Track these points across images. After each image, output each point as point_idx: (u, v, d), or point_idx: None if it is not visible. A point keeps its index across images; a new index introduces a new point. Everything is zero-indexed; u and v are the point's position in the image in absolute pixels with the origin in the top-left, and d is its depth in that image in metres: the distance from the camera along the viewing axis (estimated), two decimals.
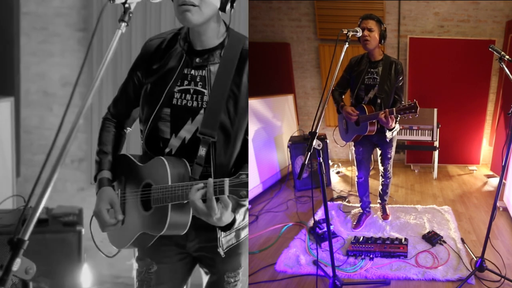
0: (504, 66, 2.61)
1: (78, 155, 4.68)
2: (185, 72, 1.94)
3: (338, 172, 5.48)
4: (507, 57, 2.60)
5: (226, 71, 1.90)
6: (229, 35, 1.95)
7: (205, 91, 1.91)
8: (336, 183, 5.12)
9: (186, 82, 1.93)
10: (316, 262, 3.04)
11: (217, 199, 1.76)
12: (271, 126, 4.98)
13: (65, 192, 4.70)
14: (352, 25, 2.98)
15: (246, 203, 1.95)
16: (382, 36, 3.23)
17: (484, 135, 5.75)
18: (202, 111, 1.90)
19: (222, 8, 1.86)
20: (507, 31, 5.30)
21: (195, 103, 1.91)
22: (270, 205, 4.32)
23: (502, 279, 2.79)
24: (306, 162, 2.16)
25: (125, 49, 4.40)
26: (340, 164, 5.64)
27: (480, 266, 2.83)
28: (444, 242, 3.35)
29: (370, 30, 3.19)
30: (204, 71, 1.93)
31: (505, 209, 3.99)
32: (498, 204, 2.88)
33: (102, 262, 4.63)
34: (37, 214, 1.39)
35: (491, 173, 5.36)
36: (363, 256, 3.14)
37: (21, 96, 4.62)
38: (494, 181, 5.07)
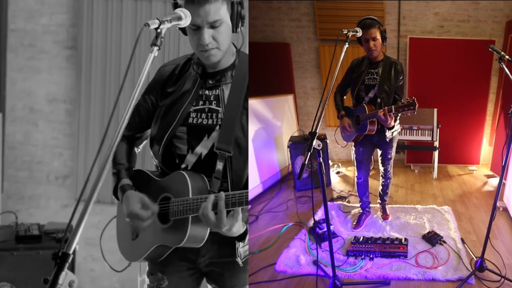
0: (504, 66, 2.61)
1: (63, 172, 4.63)
2: (200, 93, 2.05)
3: (338, 172, 5.48)
4: (507, 57, 2.60)
5: (238, 89, 2.02)
6: (238, 55, 2.08)
7: (219, 108, 2.02)
8: (336, 183, 5.12)
9: (201, 102, 2.04)
10: (316, 262, 3.04)
11: (229, 211, 1.84)
12: (271, 126, 4.98)
13: (49, 209, 4.66)
14: (352, 25, 2.98)
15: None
16: (383, 38, 3.24)
17: (484, 135, 5.75)
18: (217, 128, 2.00)
19: (234, 30, 1.99)
20: (507, 31, 5.30)
21: (210, 121, 2.02)
22: (270, 205, 4.32)
23: (502, 279, 2.79)
24: (306, 162, 2.17)
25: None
26: (340, 164, 5.64)
27: (480, 266, 2.83)
28: (444, 242, 3.35)
29: (374, 39, 3.19)
30: (217, 90, 2.05)
31: (505, 209, 3.99)
32: (498, 204, 2.88)
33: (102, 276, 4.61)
34: (81, 230, 1.43)
35: (491, 173, 5.36)
36: (363, 256, 3.14)
37: (6, 112, 4.59)
38: (494, 181, 5.07)
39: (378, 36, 3.21)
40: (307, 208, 4.20)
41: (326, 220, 2.48)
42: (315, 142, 2.22)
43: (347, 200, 4.42)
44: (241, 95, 2.02)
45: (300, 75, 6.03)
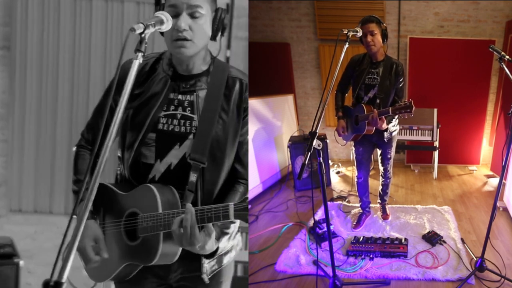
0: (504, 66, 2.61)
1: None
2: (171, 97, 1.91)
3: (338, 172, 5.48)
4: (507, 57, 2.60)
5: (214, 96, 1.90)
6: (213, 62, 1.96)
7: (194, 116, 1.89)
8: (336, 183, 5.12)
9: (172, 107, 1.90)
10: (316, 262, 3.04)
11: (201, 227, 1.74)
12: (271, 126, 4.98)
13: None
14: (352, 25, 2.97)
15: (230, 230, 1.93)
16: (384, 36, 3.24)
17: (484, 135, 5.75)
18: (191, 136, 1.87)
19: (213, 37, 1.90)
20: (507, 31, 5.30)
21: (183, 128, 1.89)
22: (270, 205, 4.32)
23: (502, 279, 2.79)
24: (306, 162, 2.16)
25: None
26: (340, 164, 5.64)
27: (480, 266, 2.83)
28: (444, 242, 3.35)
29: (372, 34, 3.19)
30: (192, 96, 1.91)
31: (505, 209, 3.99)
32: (498, 204, 2.88)
33: None
34: (73, 254, 1.34)
35: (491, 173, 5.36)
36: (363, 256, 3.14)
37: None
38: (494, 181, 5.07)
39: (377, 31, 3.20)
40: (307, 208, 4.20)
41: (326, 220, 2.48)
42: (315, 142, 2.22)
43: (347, 200, 4.42)
44: (217, 103, 1.89)
45: (300, 75, 6.03)
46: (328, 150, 4.91)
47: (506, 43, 5.21)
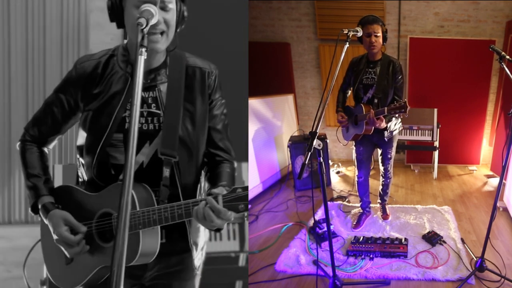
0: (504, 66, 2.61)
1: None
2: None
3: (338, 172, 5.48)
4: (508, 57, 2.60)
5: (175, 89, 1.87)
6: (169, 54, 1.92)
7: (160, 112, 1.86)
8: (336, 183, 5.12)
9: None
10: (316, 262, 3.04)
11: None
12: (271, 126, 4.98)
13: None
14: (353, 25, 2.97)
15: None
16: (384, 38, 3.24)
17: (484, 135, 5.75)
18: (161, 133, 1.85)
19: (176, 30, 1.85)
20: (507, 31, 5.30)
21: (151, 126, 1.86)
22: (270, 205, 4.32)
23: (502, 279, 2.79)
24: (306, 162, 2.16)
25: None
26: (340, 164, 5.64)
27: (480, 266, 2.83)
28: (444, 242, 3.35)
29: (376, 35, 3.19)
30: (155, 92, 1.88)
31: (505, 209, 3.99)
32: (498, 204, 2.87)
33: None
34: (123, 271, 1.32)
35: (491, 173, 5.36)
36: (363, 256, 3.14)
37: None
38: (494, 181, 5.07)
39: (380, 33, 3.21)
40: (307, 208, 4.20)
41: (326, 220, 2.49)
42: (316, 142, 2.22)
43: (347, 200, 4.42)
44: (179, 95, 1.86)
45: (300, 75, 6.03)
46: (328, 150, 4.91)
47: (506, 43, 5.21)
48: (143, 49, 1.51)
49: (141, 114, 1.85)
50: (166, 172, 1.83)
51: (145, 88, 1.86)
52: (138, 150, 1.84)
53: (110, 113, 1.84)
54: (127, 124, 1.84)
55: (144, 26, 1.55)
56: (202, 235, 2.00)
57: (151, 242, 1.78)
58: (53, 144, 2.05)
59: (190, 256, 1.94)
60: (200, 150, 1.92)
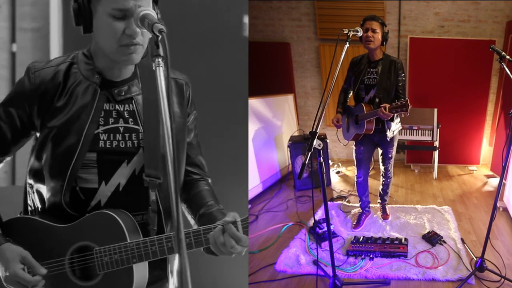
0: (504, 66, 2.61)
1: None
2: (107, 108, 1.66)
3: (338, 172, 5.48)
4: (508, 57, 2.60)
5: (151, 102, 1.68)
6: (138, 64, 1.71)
7: (138, 127, 1.67)
8: (336, 183, 5.12)
9: (112, 120, 1.66)
10: (316, 262, 3.04)
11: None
12: (271, 126, 4.97)
13: None
14: (353, 25, 2.97)
15: None
16: (384, 38, 3.25)
17: (484, 135, 5.75)
18: (141, 151, 1.66)
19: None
20: (507, 31, 5.30)
21: (129, 143, 1.66)
22: (270, 205, 4.32)
23: (502, 279, 2.79)
24: (306, 162, 2.17)
25: None
26: (340, 164, 5.64)
27: (480, 266, 2.83)
28: (444, 242, 3.35)
29: (374, 31, 3.19)
30: (131, 105, 1.68)
31: (505, 209, 3.99)
32: (498, 204, 2.87)
33: None
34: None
35: (491, 173, 5.36)
36: (363, 256, 3.14)
37: None
38: (494, 181, 5.07)
39: (378, 30, 3.21)
40: (307, 207, 4.20)
41: (326, 219, 2.49)
42: (316, 142, 2.22)
43: (347, 200, 4.42)
44: (156, 108, 1.64)
45: (300, 75, 6.03)
46: (328, 150, 4.91)
47: (506, 43, 5.21)
48: (160, 59, 1.31)
49: (117, 130, 1.66)
50: (153, 195, 1.65)
51: (120, 101, 1.67)
52: (113, 171, 1.65)
53: (79, 129, 1.62)
54: (102, 142, 1.64)
55: (164, 31, 1.34)
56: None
57: (143, 272, 1.63)
58: None
59: (165, 285, 1.76)
60: (182, 168, 1.76)
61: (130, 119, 1.67)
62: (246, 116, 4.12)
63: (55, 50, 3.54)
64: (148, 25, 1.43)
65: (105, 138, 1.65)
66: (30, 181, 1.71)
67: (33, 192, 1.71)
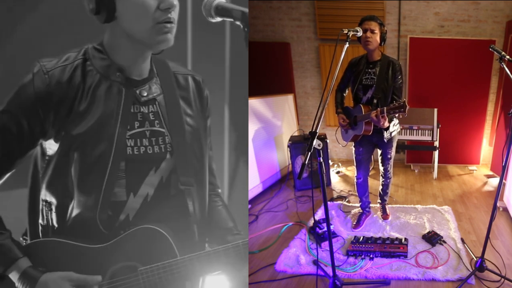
0: (504, 66, 2.61)
1: None
2: (133, 110, 1.51)
3: (338, 172, 5.48)
4: (508, 57, 2.60)
5: (173, 102, 1.56)
6: (150, 59, 1.59)
7: (164, 130, 1.53)
8: (336, 183, 5.12)
9: (137, 124, 1.51)
10: (316, 262, 3.04)
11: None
12: (271, 126, 4.98)
13: None
14: (353, 25, 2.98)
15: None
16: (383, 38, 3.25)
17: (484, 135, 5.75)
18: (168, 156, 1.52)
19: None
20: (507, 31, 5.30)
21: (156, 148, 1.51)
22: (270, 205, 4.32)
23: (502, 279, 2.79)
24: (306, 162, 2.16)
25: None
26: (340, 164, 5.64)
27: (480, 266, 2.83)
28: (444, 242, 3.35)
29: (372, 31, 3.19)
30: (155, 106, 1.54)
31: (505, 209, 3.99)
32: (498, 204, 2.87)
33: None
34: None
35: (491, 173, 5.36)
36: (363, 256, 3.14)
37: None
38: (494, 181, 5.07)
39: (377, 31, 3.21)
40: (307, 207, 4.20)
41: (326, 219, 2.48)
42: (316, 142, 2.22)
43: (347, 200, 4.43)
44: (179, 108, 1.54)
45: (300, 75, 6.03)
46: (328, 150, 4.91)
47: (506, 43, 5.21)
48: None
49: (143, 135, 1.50)
50: (191, 206, 1.51)
51: (143, 103, 1.52)
52: (142, 180, 1.49)
53: (109, 135, 1.45)
54: (129, 148, 1.48)
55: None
56: None
57: None
58: None
59: None
60: (207, 175, 1.62)
61: (156, 121, 1.53)
62: (246, 116, 4.12)
63: None
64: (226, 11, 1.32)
65: (132, 144, 1.49)
66: (49, 198, 1.51)
67: (50, 210, 1.50)
